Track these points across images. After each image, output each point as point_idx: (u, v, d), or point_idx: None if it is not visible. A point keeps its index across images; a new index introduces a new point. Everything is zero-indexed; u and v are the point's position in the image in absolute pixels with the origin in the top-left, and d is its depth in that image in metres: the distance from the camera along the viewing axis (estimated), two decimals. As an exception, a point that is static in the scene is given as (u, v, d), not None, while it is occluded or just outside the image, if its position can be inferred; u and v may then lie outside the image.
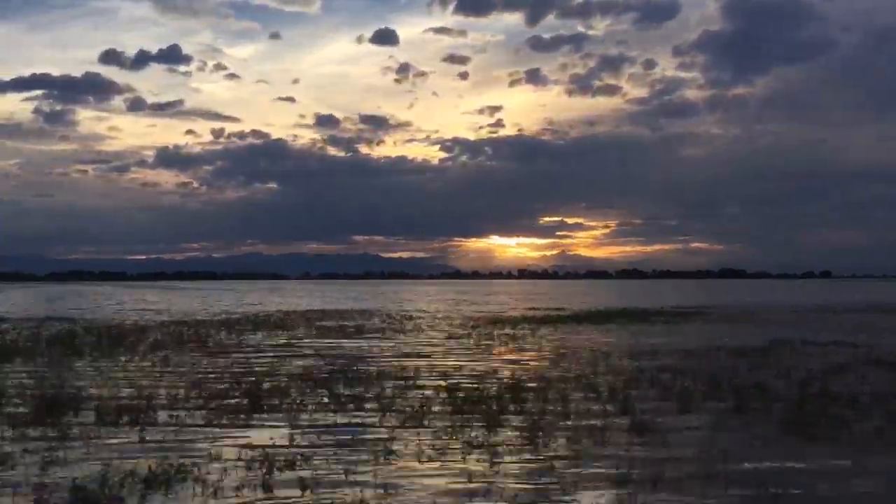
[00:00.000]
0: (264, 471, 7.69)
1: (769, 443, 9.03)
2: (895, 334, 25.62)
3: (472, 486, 7.27)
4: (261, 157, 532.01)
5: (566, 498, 6.90)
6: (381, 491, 7.10)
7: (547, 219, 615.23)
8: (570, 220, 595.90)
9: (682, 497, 6.93)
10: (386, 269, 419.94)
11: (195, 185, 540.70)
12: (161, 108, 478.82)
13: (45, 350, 19.88)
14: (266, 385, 13.31)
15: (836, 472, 7.76)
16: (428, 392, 12.70)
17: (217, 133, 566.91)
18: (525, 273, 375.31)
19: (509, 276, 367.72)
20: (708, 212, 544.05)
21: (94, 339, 23.07)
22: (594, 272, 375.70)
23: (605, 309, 44.44)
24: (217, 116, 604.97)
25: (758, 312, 40.76)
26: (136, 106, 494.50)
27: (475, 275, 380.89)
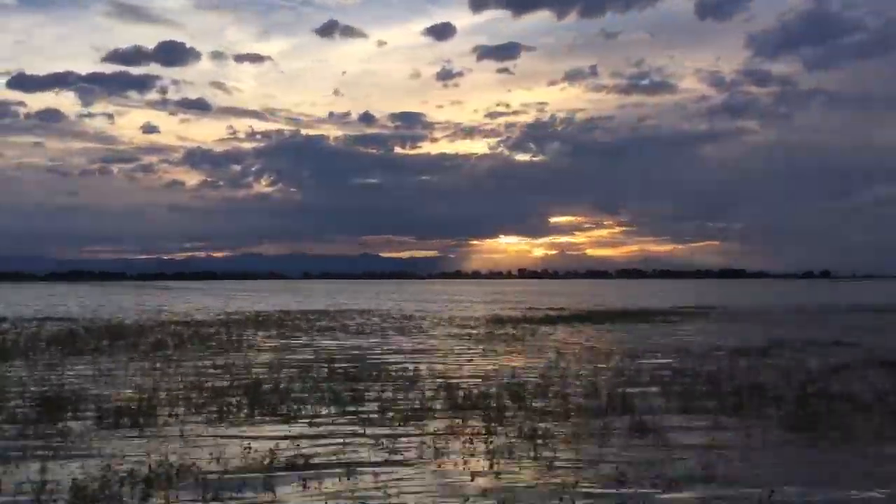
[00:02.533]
0: (265, 470, 7.70)
1: (769, 443, 9.03)
2: (895, 334, 25.61)
3: (473, 485, 7.27)
4: (276, 155, 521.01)
5: (566, 497, 6.90)
6: (383, 490, 7.10)
7: (550, 218, 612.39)
8: (573, 220, 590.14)
9: (683, 497, 6.94)
10: (386, 269, 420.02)
11: (201, 184, 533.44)
12: (188, 106, 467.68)
13: (45, 350, 19.90)
14: (266, 385, 13.31)
15: (837, 472, 7.76)
16: (428, 391, 12.71)
17: (235, 130, 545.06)
18: (525, 273, 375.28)
19: (509, 275, 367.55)
20: (714, 212, 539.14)
21: (94, 338, 23.09)
22: (594, 272, 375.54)
23: (606, 309, 44.46)
24: (243, 113, 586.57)
25: (758, 312, 40.76)
26: (163, 103, 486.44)
27: (475, 274, 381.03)
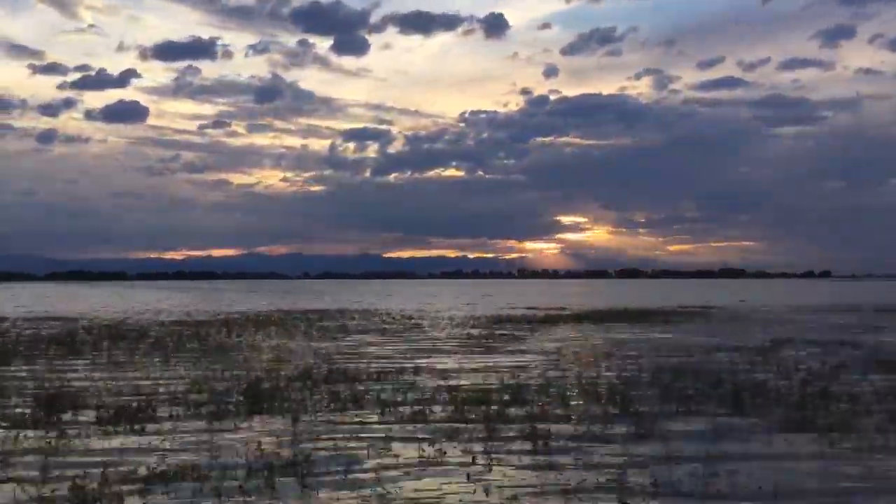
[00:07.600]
0: (265, 471, 7.69)
1: (770, 443, 9.03)
2: (895, 334, 25.61)
3: (472, 485, 7.27)
4: (291, 153, 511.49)
5: (566, 499, 6.89)
6: (382, 491, 7.10)
7: (551, 218, 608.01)
8: (575, 220, 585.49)
9: (684, 498, 6.93)
10: (386, 269, 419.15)
11: (203, 184, 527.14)
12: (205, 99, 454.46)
13: (45, 349, 19.89)
14: (265, 385, 13.30)
15: (838, 472, 7.76)
16: (428, 391, 12.70)
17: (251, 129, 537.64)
18: (525, 273, 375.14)
19: (509, 275, 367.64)
20: (716, 212, 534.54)
21: (94, 338, 23.08)
22: (594, 272, 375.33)
23: (606, 308, 44.44)
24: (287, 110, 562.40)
25: (758, 312, 40.76)
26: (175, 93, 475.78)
27: (475, 274, 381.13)
